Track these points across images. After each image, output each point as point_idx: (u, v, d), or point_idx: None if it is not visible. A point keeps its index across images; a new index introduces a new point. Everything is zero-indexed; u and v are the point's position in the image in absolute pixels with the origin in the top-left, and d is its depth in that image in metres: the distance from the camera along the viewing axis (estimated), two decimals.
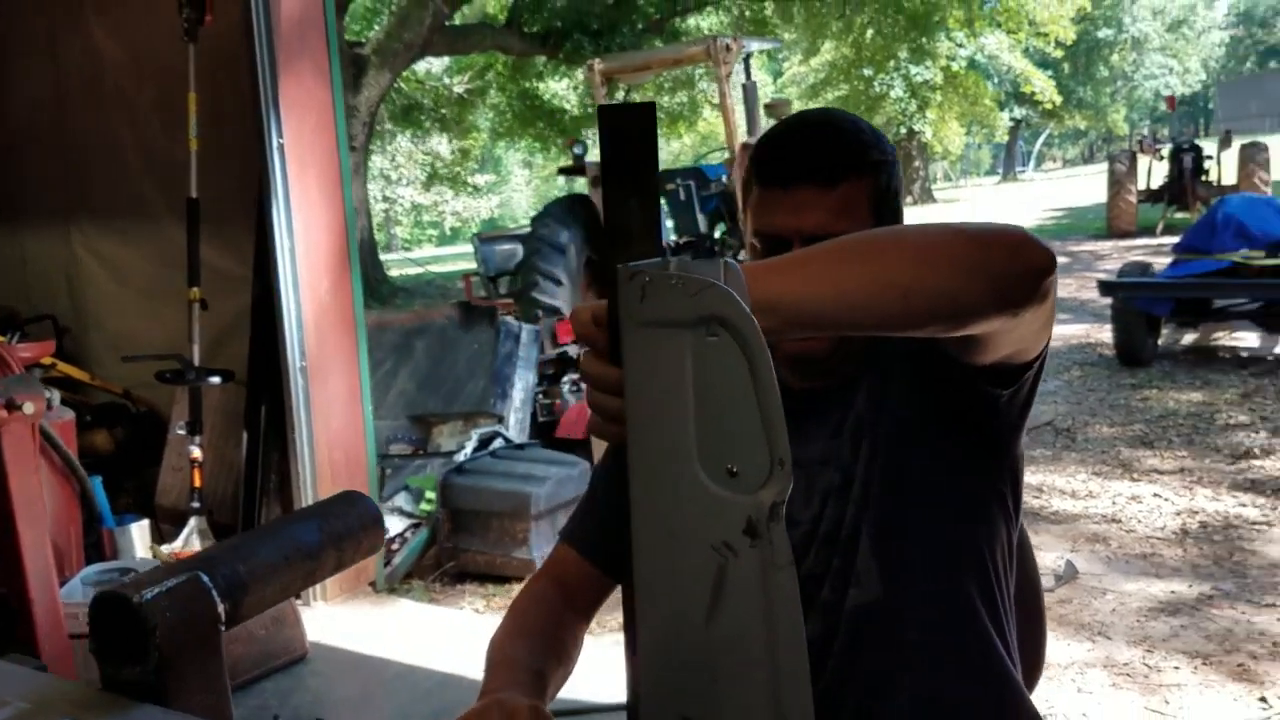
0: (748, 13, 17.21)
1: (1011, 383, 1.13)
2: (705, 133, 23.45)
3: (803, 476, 1.17)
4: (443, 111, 18.37)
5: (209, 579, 1.35)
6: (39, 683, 1.35)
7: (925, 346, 1.12)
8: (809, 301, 0.84)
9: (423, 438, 5.34)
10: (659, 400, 0.79)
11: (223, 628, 1.38)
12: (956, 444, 1.20)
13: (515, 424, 5.16)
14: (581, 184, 9.20)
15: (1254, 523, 4.10)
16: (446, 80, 19.71)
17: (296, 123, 3.28)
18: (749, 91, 7.77)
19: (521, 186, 36.69)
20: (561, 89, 18.23)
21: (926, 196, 27.04)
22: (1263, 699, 2.76)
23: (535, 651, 1.22)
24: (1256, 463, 4.85)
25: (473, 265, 12.00)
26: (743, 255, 5.83)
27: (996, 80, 23.55)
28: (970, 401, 1.15)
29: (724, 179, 7.48)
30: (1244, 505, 4.30)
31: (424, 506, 4.31)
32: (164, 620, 1.28)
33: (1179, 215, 14.36)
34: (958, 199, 29.19)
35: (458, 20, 14.00)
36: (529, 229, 13.90)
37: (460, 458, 4.40)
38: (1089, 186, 25.99)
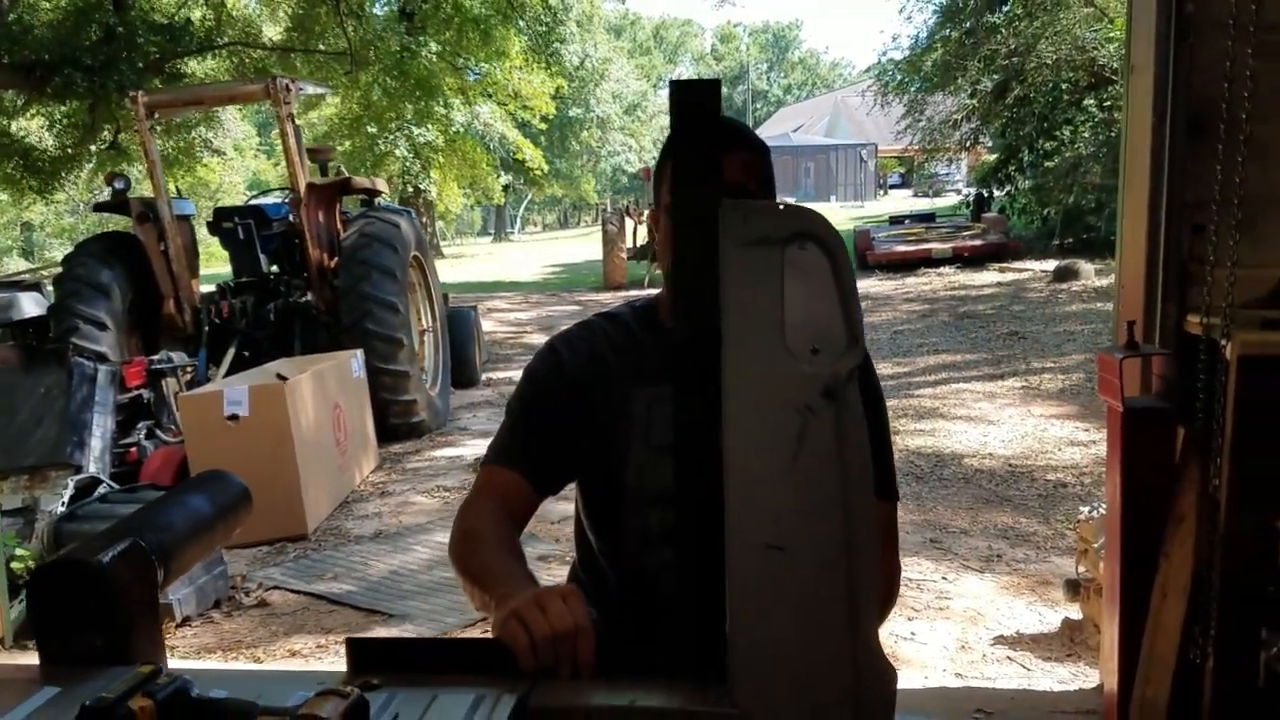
0: (248, 60, 16.75)
1: None
2: (202, 177, 22.14)
3: None
4: None
5: (145, 544, 1.33)
6: None
7: None
8: None
9: None
10: (754, 303, 1.08)
11: (159, 594, 1.36)
12: None
13: (99, 473, 4.71)
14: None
15: None
16: None
17: None
18: (297, 134, 7.72)
19: None
20: (35, 127, 16.26)
21: (436, 252, 27.90)
22: None
23: (516, 558, 1.41)
24: None
25: None
26: (309, 296, 5.86)
27: (491, 147, 25.04)
28: None
29: (289, 218, 7.31)
30: None
31: (16, 564, 3.82)
32: (124, 584, 1.26)
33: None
34: (463, 255, 30.48)
35: None
36: (29, 274, 12.26)
37: (59, 509, 3.96)
38: (574, 247, 28.62)
